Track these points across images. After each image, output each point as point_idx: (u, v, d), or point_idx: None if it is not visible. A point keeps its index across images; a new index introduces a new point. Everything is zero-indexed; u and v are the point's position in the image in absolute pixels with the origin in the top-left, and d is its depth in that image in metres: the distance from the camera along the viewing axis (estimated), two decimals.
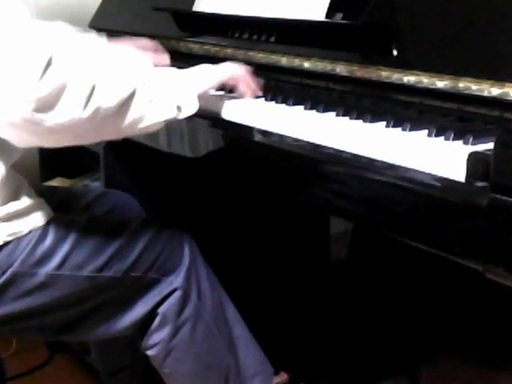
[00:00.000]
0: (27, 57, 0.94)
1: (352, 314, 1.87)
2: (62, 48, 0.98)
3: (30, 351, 1.99)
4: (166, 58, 1.40)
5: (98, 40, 1.22)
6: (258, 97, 1.27)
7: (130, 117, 1.06)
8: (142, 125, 1.08)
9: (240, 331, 1.36)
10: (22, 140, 1.03)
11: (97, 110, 1.00)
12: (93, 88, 0.99)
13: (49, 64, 0.95)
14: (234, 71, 1.26)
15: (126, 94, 1.04)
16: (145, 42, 1.44)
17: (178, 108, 1.12)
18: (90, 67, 1.01)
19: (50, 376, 1.93)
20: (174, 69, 1.20)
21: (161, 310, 1.26)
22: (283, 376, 1.63)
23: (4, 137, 1.03)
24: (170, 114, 1.11)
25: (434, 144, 0.96)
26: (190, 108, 1.14)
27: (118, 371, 1.54)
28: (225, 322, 1.33)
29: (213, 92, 1.32)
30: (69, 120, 0.98)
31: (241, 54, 1.44)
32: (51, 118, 0.97)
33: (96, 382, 1.76)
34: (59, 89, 0.96)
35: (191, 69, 1.20)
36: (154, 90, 1.09)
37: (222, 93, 1.36)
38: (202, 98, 1.18)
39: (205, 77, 1.20)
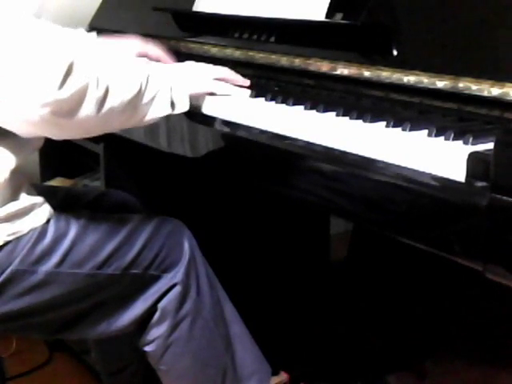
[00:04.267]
0: (49, 63, 0.98)
1: (352, 314, 1.87)
2: (81, 54, 1.02)
3: (30, 351, 1.99)
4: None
5: (93, 38, 1.27)
6: (257, 96, 1.27)
7: (135, 112, 1.13)
8: (143, 119, 1.15)
9: (237, 330, 1.36)
10: (29, 132, 1.07)
11: (110, 110, 1.06)
12: (107, 90, 1.05)
13: (69, 72, 0.99)
14: (221, 74, 1.30)
15: (134, 92, 1.10)
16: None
17: (172, 105, 1.19)
18: (104, 70, 1.06)
19: (50, 376, 1.93)
20: (168, 65, 1.27)
21: (160, 305, 1.26)
22: (283, 376, 1.63)
23: (9, 128, 1.06)
24: (166, 110, 1.17)
25: (434, 144, 0.96)
26: (183, 106, 1.20)
27: (118, 371, 1.54)
28: (222, 320, 1.34)
29: None
30: (84, 120, 1.04)
31: (241, 54, 1.44)
32: (67, 120, 1.02)
33: (96, 382, 1.77)
34: (78, 96, 1.01)
35: (184, 66, 1.27)
36: (154, 87, 1.14)
37: None
38: (200, 97, 1.25)
39: (197, 82, 1.26)
